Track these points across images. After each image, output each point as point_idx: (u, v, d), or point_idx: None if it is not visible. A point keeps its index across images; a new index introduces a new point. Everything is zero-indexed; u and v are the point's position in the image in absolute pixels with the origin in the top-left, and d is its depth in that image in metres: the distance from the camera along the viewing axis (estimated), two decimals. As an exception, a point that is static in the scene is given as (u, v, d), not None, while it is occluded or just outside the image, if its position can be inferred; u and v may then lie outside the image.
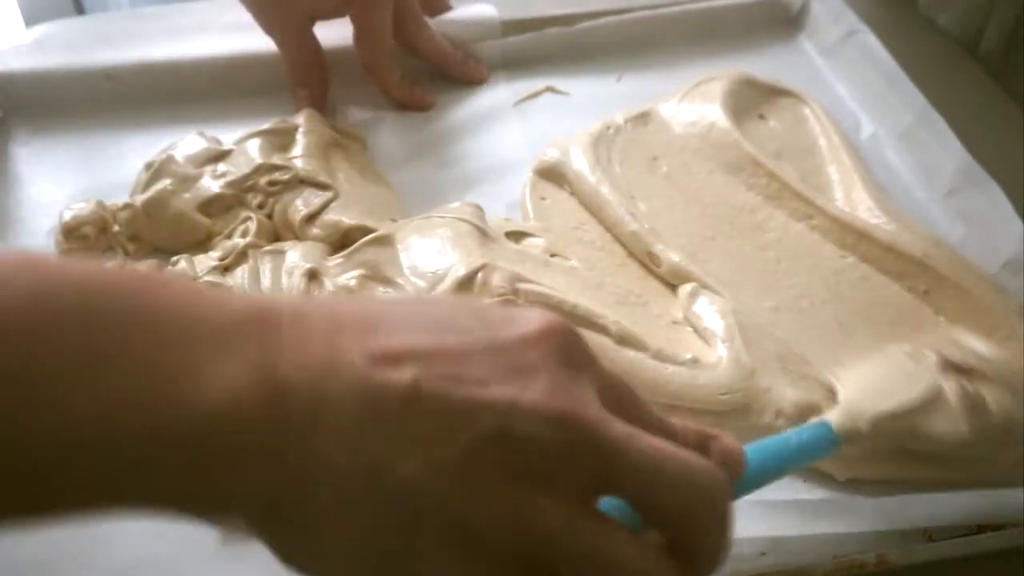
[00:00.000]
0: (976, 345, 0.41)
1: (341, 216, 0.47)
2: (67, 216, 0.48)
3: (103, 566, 0.36)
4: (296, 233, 0.47)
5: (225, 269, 0.45)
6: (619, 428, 0.24)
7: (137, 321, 0.22)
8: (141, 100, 0.56)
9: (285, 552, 0.24)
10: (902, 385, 0.38)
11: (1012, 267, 0.46)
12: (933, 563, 0.35)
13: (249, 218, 0.47)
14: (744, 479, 0.27)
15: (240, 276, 0.44)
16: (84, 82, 0.56)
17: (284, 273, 0.44)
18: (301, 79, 0.56)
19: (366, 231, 0.46)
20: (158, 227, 0.48)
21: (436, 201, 0.50)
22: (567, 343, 0.25)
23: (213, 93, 0.56)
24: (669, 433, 0.26)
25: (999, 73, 0.59)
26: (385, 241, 0.45)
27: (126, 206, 0.48)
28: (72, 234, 0.48)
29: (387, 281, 0.44)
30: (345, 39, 0.56)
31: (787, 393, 0.40)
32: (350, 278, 0.44)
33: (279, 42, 0.55)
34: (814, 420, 0.37)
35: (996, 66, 0.60)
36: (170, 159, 0.50)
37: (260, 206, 0.48)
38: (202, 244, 0.48)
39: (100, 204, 0.49)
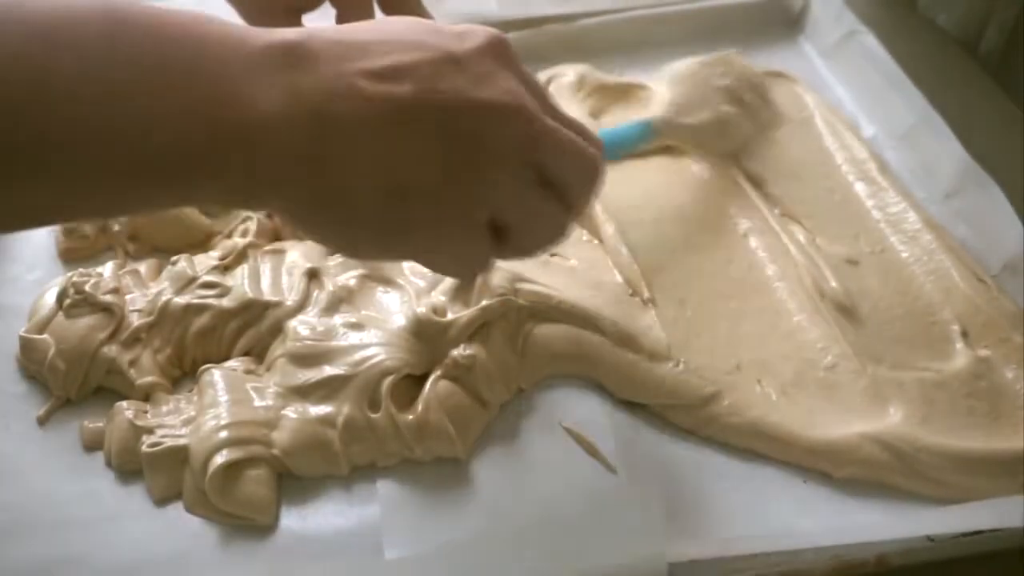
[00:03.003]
0: None
1: (341, 216, 0.47)
2: (67, 215, 0.48)
3: (103, 567, 0.36)
4: (296, 233, 0.47)
5: (225, 269, 0.45)
6: (549, 121, 0.32)
7: (192, 47, 0.28)
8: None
9: (319, 231, 0.32)
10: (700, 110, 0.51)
11: (1012, 268, 0.46)
12: (933, 563, 0.36)
13: (249, 218, 0.47)
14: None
15: (240, 276, 0.44)
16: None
17: (284, 272, 0.44)
18: None
19: (366, 231, 0.46)
20: (158, 227, 0.48)
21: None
22: (506, 52, 0.32)
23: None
24: (565, 120, 0.34)
25: (999, 73, 0.59)
26: (385, 241, 0.45)
27: (126, 205, 0.48)
28: (72, 233, 0.48)
29: (387, 280, 0.44)
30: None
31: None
32: (350, 277, 0.44)
33: None
34: (642, 119, 0.49)
35: (996, 66, 0.60)
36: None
37: (260, 205, 0.48)
38: (202, 244, 0.48)
39: (100, 203, 0.49)
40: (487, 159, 0.31)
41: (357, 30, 0.31)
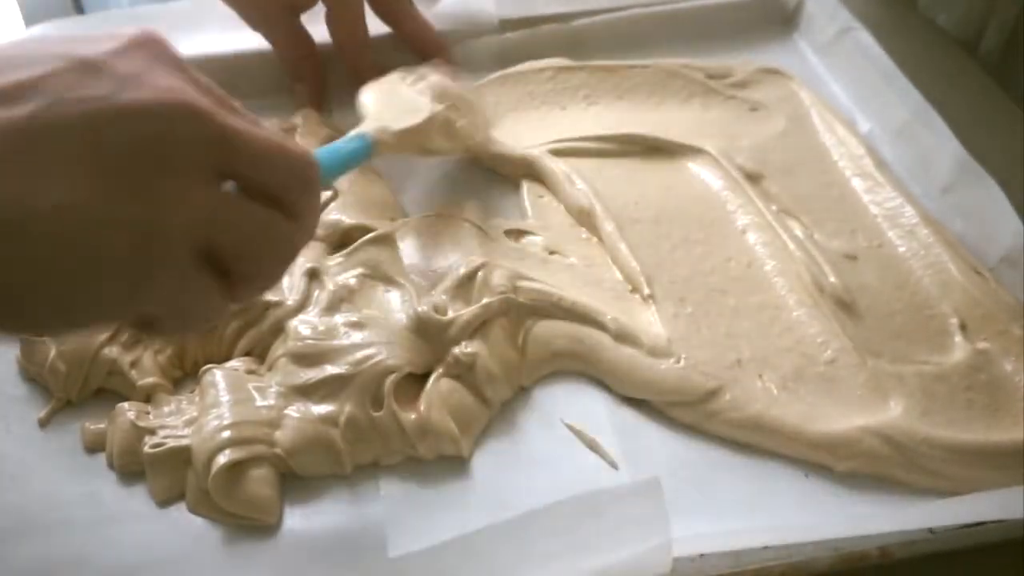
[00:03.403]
0: None
1: (341, 215, 0.47)
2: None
3: (106, 568, 0.36)
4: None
5: (225, 269, 0.45)
6: (232, 119, 0.27)
7: None
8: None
9: None
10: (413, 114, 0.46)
11: (1009, 261, 0.46)
12: (935, 555, 0.36)
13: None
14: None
15: (240, 276, 0.44)
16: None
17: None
18: (296, 73, 0.56)
19: (366, 230, 0.46)
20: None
21: (435, 200, 0.50)
22: (158, 48, 0.28)
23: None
24: (256, 121, 0.29)
25: (999, 73, 0.60)
26: (385, 240, 0.45)
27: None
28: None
29: (388, 280, 0.44)
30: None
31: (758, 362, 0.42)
32: (350, 277, 0.44)
33: (266, 36, 0.55)
34: (354, 133, 0.43)
35: (996, 66, 0.60)
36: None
37: (259, 206, 0.48)
38: (202, 244, 0.48)
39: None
40: (161, 171, 0.26)
41: None
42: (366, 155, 0.42)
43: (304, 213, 0.30)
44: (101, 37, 0.27)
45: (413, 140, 0.46)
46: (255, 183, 0.28)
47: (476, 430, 0.40)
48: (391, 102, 0.48)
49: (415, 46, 0.57)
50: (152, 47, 0.27)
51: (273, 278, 0.31)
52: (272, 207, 0.29)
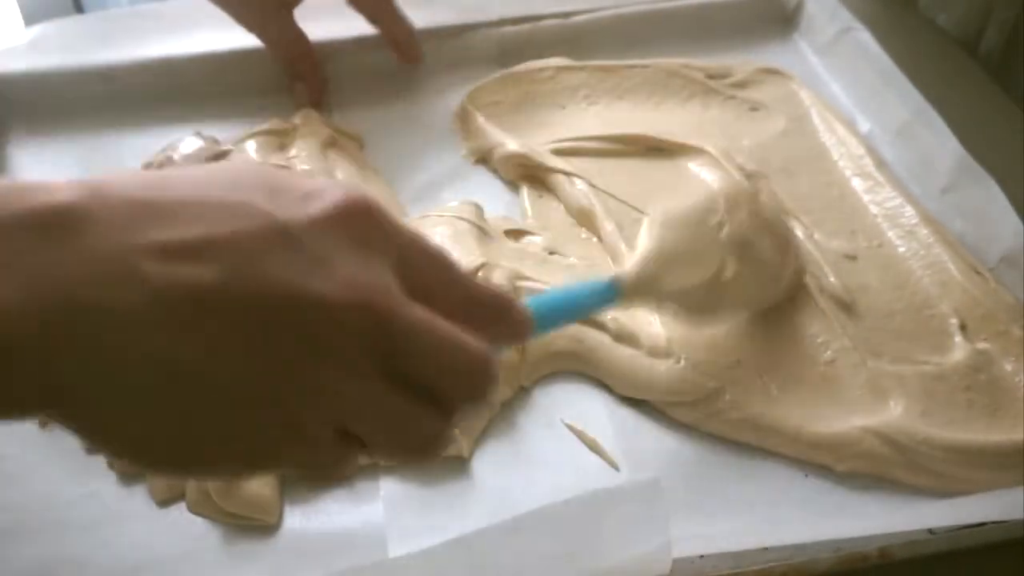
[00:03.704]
0: None
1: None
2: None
3: (106, 568, 0.36)
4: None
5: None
6: (411, 315, 0.26)
7: None
8: (139, 100, 0.56)
9: (84, 438, 0.24)
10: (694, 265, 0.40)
11: (1009, 260, 0.46)
12: (935, 555, 0.36)
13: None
14: (539, 325, 0.32)
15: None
16: (82, 82, 0.56)
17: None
18: (293, 71, 0.56)
19: (366, 230, 0.46)
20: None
21: (434, 200, 0.51)
22: (364, 223, 0.26)
23: (212, 92, 0.56)
24: (471, 300, 0.29)
25: (999, 73, 0.60)
26: (385, 240, 0.45)
27: (125, 206, 0.48)
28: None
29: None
30: (336, 35, 0.56)
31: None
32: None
33: (260, 36, 0.55)
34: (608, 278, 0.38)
35: (996, 66, 0.60)
36: (168, 159, 0.50)
37: (259, 206, 0.48)
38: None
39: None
40: (321, 363, 0.25)
41: (167, 184, 0.25)
42: (604, 304, 0.38)
43: (456, 407, 0.28)
44: (309, 194, 0.26)
45: (669, 301, 0.40)
46: (413, 376, 0.26)
47: (476, 430, 0.40)
48: (676, 241, 0.40)
49: (392, 46, 0.57)
50: (355, 220, 0.26)
51: (409, 457, 0.28)
52: (429, 402, 0.27)
